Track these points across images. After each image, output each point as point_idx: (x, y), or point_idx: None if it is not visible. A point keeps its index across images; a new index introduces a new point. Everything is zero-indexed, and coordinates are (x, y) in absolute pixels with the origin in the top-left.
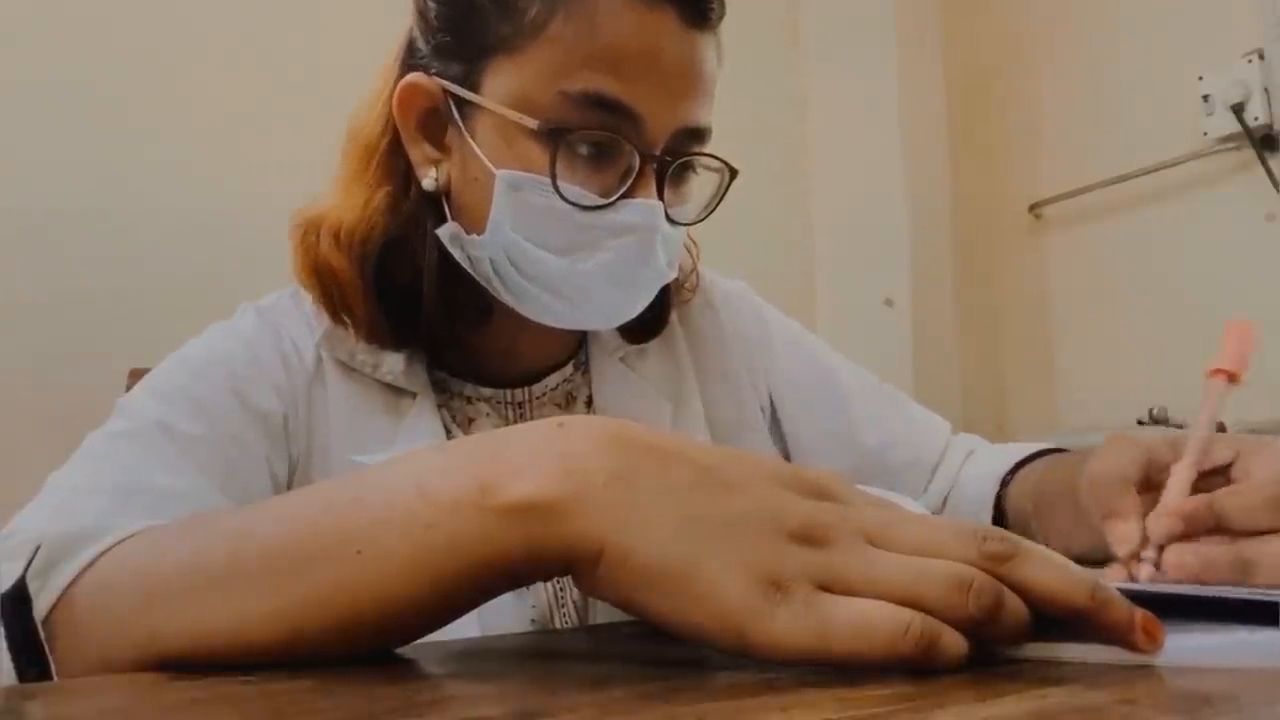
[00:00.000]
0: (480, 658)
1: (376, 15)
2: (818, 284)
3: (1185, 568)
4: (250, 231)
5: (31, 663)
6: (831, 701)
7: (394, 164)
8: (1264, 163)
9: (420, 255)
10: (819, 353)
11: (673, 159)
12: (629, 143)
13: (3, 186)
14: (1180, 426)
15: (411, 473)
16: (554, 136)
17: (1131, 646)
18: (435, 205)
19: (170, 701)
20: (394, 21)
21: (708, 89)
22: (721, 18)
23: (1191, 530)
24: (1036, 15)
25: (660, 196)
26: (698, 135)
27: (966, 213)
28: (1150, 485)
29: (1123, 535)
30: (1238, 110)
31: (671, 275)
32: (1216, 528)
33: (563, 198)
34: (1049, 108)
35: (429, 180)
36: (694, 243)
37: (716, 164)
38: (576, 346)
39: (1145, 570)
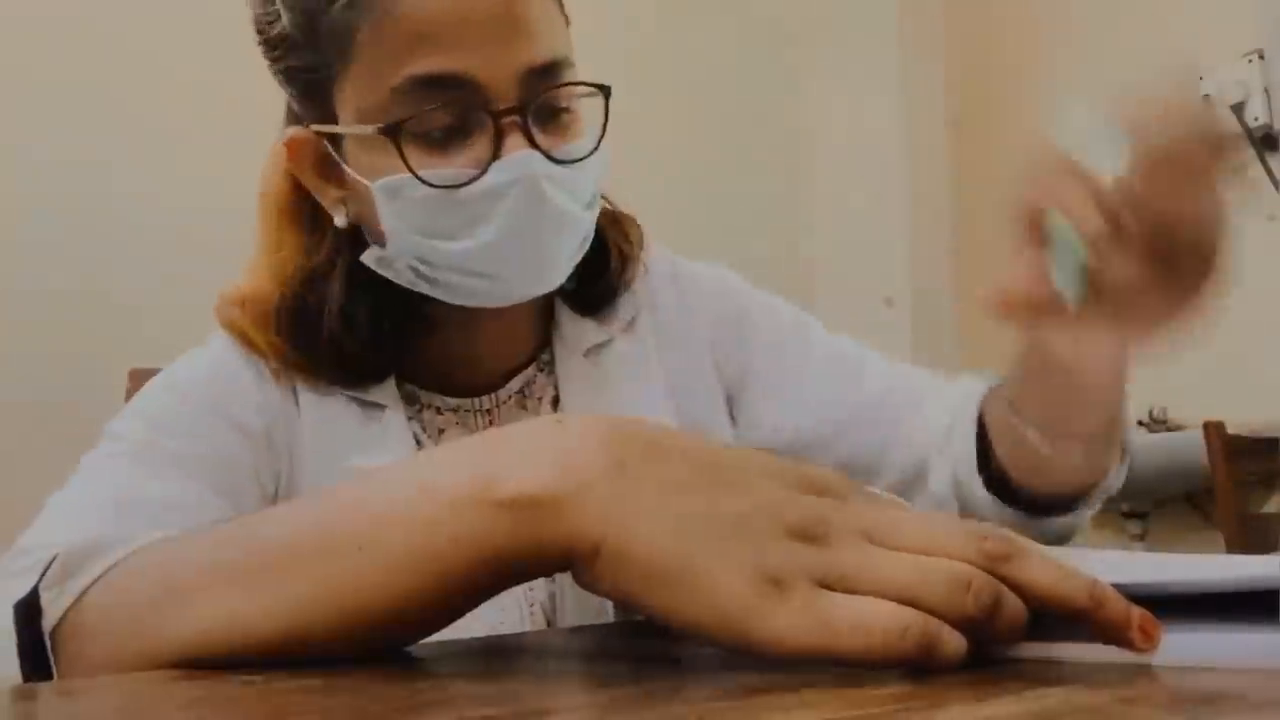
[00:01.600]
0: (482, 657)
1: None
2: (818, 284)
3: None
4: (250, 232)
5: (37, 671)
6: (831, 701)
7: (297, 215)
8: (1264, 163)
9: (330, 293)
10: (795, 322)
11: (527, 103)
12: (474, 108)
13: (3, 187)
14: (1181, 428)
15: (413, 471)
16: (392, 132)
17: (1129, 645)
18: (355, 240)
19: (171, 701)
20: None
21: (541, 23)
22: None
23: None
24: (1037, 15)
25: (532, 143)
26: (550, 71)
27: (967, 213)
28: None
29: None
30: (1238, 110)
31: (589, 216)
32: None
33: (430, 184)
34: (1049, 107)
35: (341, 219)
36: (634, 222)
37: (589, 90)
38: (540, 347)
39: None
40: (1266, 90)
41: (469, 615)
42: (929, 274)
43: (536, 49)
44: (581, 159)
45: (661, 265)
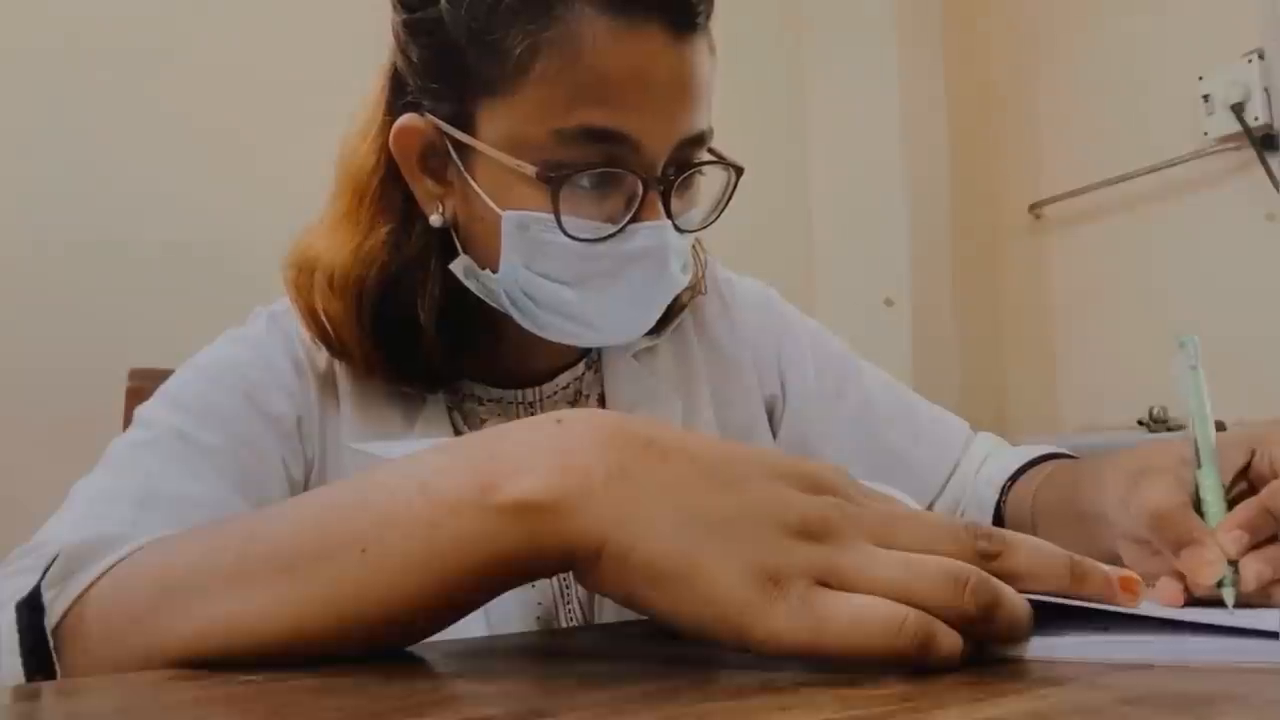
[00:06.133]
0: (482, 657)
1: (373, 28)
2: (818, 284)
3: (1262, 577)
4: (250, 232)
5: (39, 668)
6: (832, 701)
7: (391, 200)
8: (1264, 163)
9: (420, 291)
10: (841, 352)
11: (675, 174)
12: (630, 169)
13: (3, 186)
14: (1181, 428)
15: (413, 473)
16: (554, 181)
17: (1118, 603)
18: (442, 238)
19: (171, 701)
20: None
21: (704, 94)
22: (710, 16)
23: (1256, 538)
24: (1037, 15)
25: (668, 213)
26: (698, 141)
27: (966, 213)
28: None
29: (1210, 561)
30: (1238, 110)
31: (685, 280)
32: (1275, 528)
33: (569, 235)
34: (1049, 108)
35: (436, 217)
36: (699, 241)
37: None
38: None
39: (1232, 596)
40: (1266, 90)
41: (507, 611)
42: (929, 274)
43: (696, 119)
44: (693, 230)
45: (708, 274)
